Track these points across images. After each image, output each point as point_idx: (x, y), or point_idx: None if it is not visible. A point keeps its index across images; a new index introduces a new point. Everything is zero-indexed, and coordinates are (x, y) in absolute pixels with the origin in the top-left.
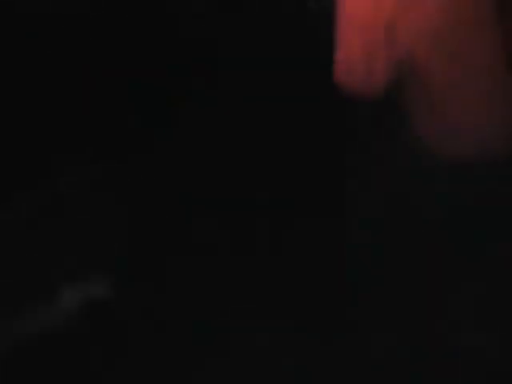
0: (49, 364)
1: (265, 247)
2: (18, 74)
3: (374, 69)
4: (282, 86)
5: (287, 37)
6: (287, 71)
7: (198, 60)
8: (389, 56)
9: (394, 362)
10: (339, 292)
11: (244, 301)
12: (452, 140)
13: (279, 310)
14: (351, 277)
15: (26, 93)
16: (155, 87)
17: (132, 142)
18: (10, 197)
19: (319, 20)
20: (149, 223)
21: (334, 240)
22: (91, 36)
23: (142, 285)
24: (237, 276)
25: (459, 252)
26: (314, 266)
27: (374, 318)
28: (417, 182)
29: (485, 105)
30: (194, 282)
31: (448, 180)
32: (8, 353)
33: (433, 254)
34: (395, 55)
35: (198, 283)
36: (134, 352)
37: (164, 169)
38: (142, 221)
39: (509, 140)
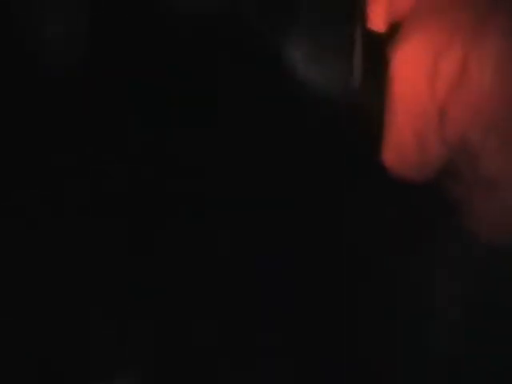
0: None
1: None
2: (17, 76)
3: (425, 152)
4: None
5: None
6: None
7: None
8: (441, 139)
9: None
10: None
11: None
12: (506, 222)
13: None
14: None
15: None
16: (156, 90)
17: (131, 144)
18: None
19: (366, 100)
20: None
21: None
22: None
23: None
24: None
25: None
26: None
27: None
28: (471, 265)
29: None
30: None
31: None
32: None
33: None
34: (448, 138)
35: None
36: None
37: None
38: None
39: None
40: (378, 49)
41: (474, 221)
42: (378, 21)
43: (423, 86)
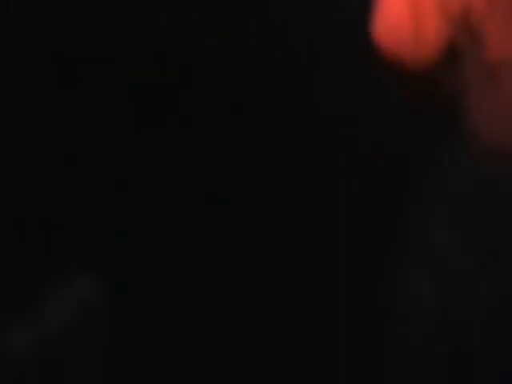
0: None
1: None
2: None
3: (422, 27)
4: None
5: None
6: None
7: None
8: (439, 10)
9: None
10: None
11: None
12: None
13: None
14: None
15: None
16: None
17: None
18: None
19: None
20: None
21: None
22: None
23: (130, 286)
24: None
25: None
26: None
27: None
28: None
29: None
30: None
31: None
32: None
33: None
34: (447, 9)
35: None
36: (125, 352)
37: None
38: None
39: None
40: None
41: (473, 121)
42: None
43: None
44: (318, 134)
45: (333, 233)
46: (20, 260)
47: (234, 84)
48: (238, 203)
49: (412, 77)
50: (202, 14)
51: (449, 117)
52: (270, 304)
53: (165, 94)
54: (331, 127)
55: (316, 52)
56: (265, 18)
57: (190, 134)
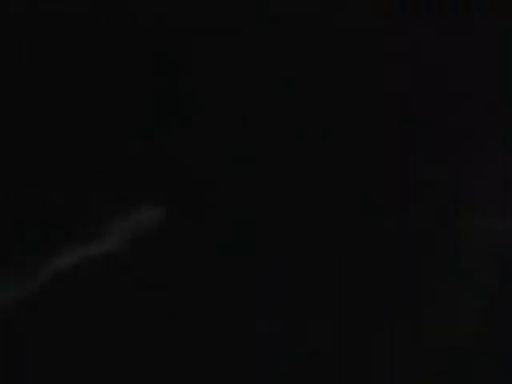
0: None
1: None
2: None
3: None
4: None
5: None
6: None
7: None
8: None
9: None
10: None
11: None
12: None
13: None
14: None
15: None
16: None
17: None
18: None
19: None
20: None
21: None
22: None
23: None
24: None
25: None
26: None
27: None
28: None
29: None
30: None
31: None
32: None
33: None
34: None
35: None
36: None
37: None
38: None
39: None
40: None
41: None
42: None
43: None
44: (318, 134)
45: (334, 231)
46: (88, 190)
47: (234, 84)
48: (237, 203)
49: None
50: (202, 14)
51: None
52: (269, 303)
53: (165, 93)
54: (332, 127)
55: (316, 52)
56: (265, 18)
57: (190, 134)
